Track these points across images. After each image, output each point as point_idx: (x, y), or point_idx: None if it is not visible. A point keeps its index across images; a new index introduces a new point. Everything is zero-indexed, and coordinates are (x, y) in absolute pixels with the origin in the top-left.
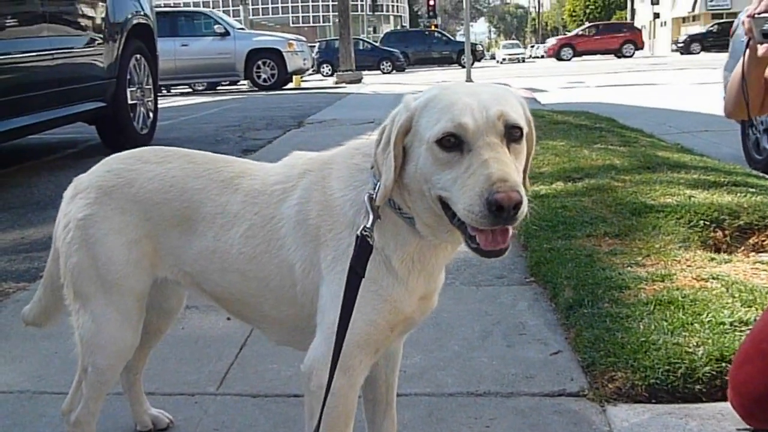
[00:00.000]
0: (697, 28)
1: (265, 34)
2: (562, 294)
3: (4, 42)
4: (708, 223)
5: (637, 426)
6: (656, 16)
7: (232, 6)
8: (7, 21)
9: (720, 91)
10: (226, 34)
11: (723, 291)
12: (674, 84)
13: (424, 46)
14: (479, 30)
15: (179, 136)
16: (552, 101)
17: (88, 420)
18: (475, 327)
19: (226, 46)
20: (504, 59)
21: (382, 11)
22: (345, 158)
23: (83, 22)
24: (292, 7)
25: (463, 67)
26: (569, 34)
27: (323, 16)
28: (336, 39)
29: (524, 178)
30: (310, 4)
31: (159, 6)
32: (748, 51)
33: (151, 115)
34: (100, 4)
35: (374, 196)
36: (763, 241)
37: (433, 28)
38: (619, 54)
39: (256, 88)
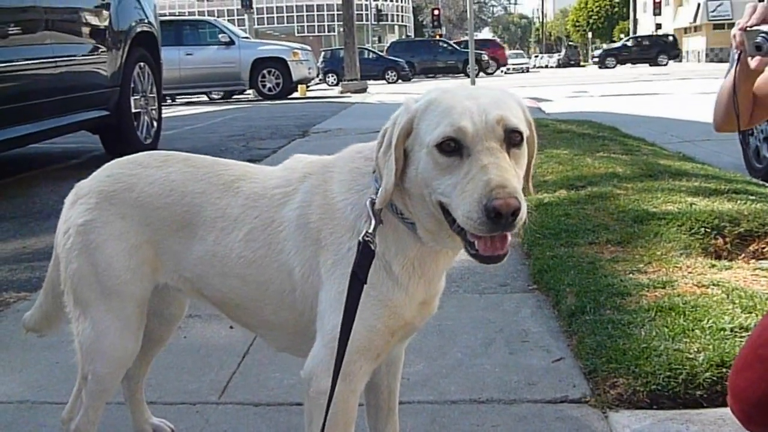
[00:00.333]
0: (698, 39)
1: (269, 43)
2: (565, 301)
3: (6, 50)
4: (709, 230)
5: None
6: (658, 27)
7: (237, 15)
8: (10, 29)
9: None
10: (231, 43)
11: (723, 297)
12: (676, 93)
13: (429, 55)
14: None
15: (183, 146)
16: (556, 110)
17: (88, 429)
18: (478, 334)
19: (231, 55)
20: (508, 69)
21: (387, 21)
22: (346, 162)
23: (86, 30)
24: (297, 16)
25: (468, 76)
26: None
27: (328, 25)
28: (341, 48)
29: (527, 181)
30: (315, 13)
31: (163, 15)
32: (739, 65)
33: (155, 124)
34: (104, 12)
35: (376, 199)
36: (763, 248)
37: (438, 37)
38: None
39: (261, 98)
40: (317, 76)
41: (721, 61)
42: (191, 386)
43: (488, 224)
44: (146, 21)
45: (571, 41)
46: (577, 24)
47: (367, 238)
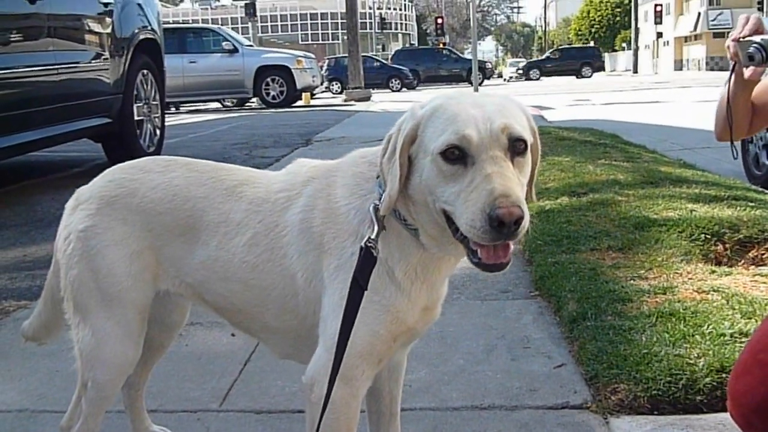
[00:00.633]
0: (698, 48)
1: (273, 51)
2: (566, 307)
3: (8, 56)
4: (709, 236)
5: None
6: (659, 35)
7: (241, 23)
8: (13, 35)
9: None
10: (235, 50)
11: (723, 303)
12: (677, 102)
13: (434, 63)
14: (487, 48)
15: (186, 154)
16: (558, 118)
17: None
18: (479, 341)
19: (235, 63)
20: (511, 77)
21: (391, 29)
22: (350, 166)
23: (89, 37)
24: (301, 24)
25: (472, 84)
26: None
27: (332, 33)
28: (345, 56)
29: (530, 188)
30: (319, 21)
31: (167, 22)
32: (733, 75)
33: (157, 131)
34: (107, 19)
35: (379, 206)
36: (763, 254)
37: (441, 46)
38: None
39: (265, 106)
40: (322, 83)
41: (721, 69)
42: (192, 394)
43: (491, 233)
44: (149, 28)
45: None
46: (580, 33)
47: (369, 245)
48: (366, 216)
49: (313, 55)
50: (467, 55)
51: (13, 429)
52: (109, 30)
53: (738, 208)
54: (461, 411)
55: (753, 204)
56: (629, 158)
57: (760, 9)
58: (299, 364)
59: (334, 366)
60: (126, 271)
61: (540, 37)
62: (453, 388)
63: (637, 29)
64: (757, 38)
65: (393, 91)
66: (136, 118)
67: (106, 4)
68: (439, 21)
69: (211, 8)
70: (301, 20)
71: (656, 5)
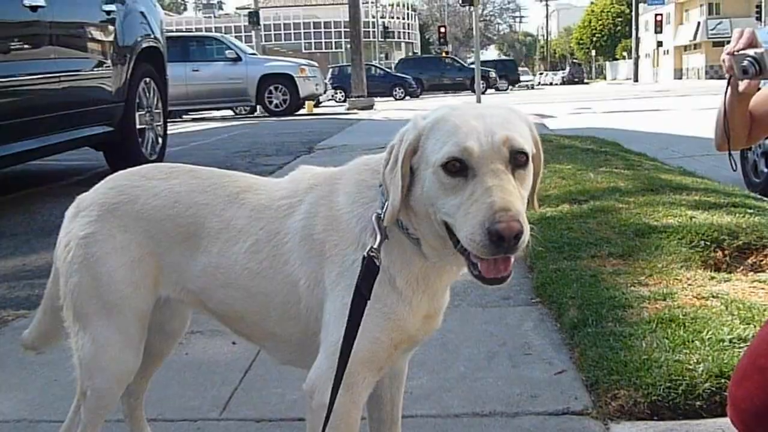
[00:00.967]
0: (698, 57)
1: (277, 60)
2: (567, 314)
3: (10, 64)
4: (708, 243)
5: None
6: (659, 44)
7: (245, 32)
8: (14, 43)
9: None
10: (238, 59)
11: (722, 309)
12: (677, 110)
13: (437, 72)
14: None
15: (188, 162)
16: (560, 126)
17: None
18: (480, 348)
19: (238, 71)
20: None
21: (394, 38)
22: (353, 174)
23: (91, 45)
24: (304, 33)
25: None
26: None
27: (335, 42)
28: (348, 65)
29: (533, 198)
30: (323, 30)
31: (170, 31)
32: (729, 88)
33: (160, 140)
34: (109, 27)
35: (382, 215)
36: (761, 260)
37: (444, 55)
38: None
39: (268, 114)
40: (325, 91)
41: (720, 78)
42: (192, 403)
43: (491, 247)
44: (152, 36)
45: (575, 59)
46: (581, 42)
47: (372, 254)
48: (368, 224)
49: (316, 64)
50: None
51: None
52: (111, 38)
53: (737, 215)
54: (462, 418)
55: (752, 211)
56: (630, 166)
57: (759, 18)
58: (299, 373)
59: (337, 374)
60: (127, 278)
61: (542, 47)
62: (454, 395)
63: (637, 38)
64: (751, 52)
65: (396, 99)
66: (138, 126)
67: (108, 12)
68: (442, 30)
69: (215, 16)
70: (304, 29)
71: (657, 15)
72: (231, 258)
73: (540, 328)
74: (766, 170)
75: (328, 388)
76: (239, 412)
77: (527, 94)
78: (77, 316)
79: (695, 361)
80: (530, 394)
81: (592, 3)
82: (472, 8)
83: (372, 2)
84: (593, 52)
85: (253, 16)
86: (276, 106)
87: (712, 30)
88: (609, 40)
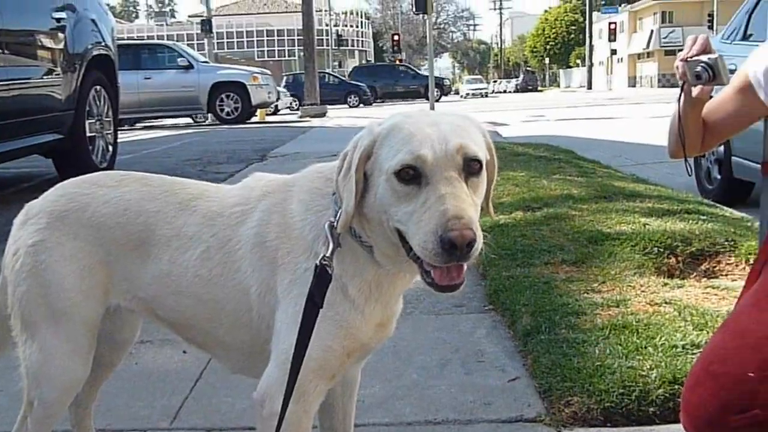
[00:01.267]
0: (651, 65)
1: (229, 68)
2: (520, 321)
3: None
4: (662, 249)
5: None
6: (613, 52)
7: (197, 40)
8: None
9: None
10: (190, 67)
11: (675, 315)
12: (631, 118)
13: (391, 80)
14: (443, 65)
15: (139, 170)
16: (514, 134)
17: None
18: (433, 355)
19: (190, 79)
20: (467, 94)
21: (348, 46)
22: (307, 181)
23: (41, 52)
24: (257, 41)
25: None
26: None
27: (289, 50)
28: (303, 73)
29: (487, 205)
30: (276, 38)
31: (122, 38)
32: (683, 95)
33: (110, 148)
34: (59, 34)
35: (335, 223)
36: (714, 266)
37: (398, 62)
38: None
39: (219, 122)
40: (277, 99)
41: (673, 86)
42: (142, 412)
43: (443, 255)
44: (103, 44)
45: (529, 67)
46: (535, 50)
47: (324, 262)
48: (321, 232)
49: (269, 72)
50: (424, 72)
51: None
52: (61, 45)
53: (690, 221)
54: (415, 426)
55: (705, 217)
56: (583, 173)
57: (711, 27)
58: (249, 381)
59: (288, 382)
60: (76, 286)
61: (496, 55)
62: (407, 403)
63: (591, 46)
64: (704, 58)
65: (351, 107)
66: (88, 134)
67: (58, 20)
68: (396, 38)
69: (167, 24)
70: (257, 37)
71: (610, 23)
72: (182, 265)
73: (493, 335)
74: (719, 177)
75: (279, 397)
76: (189, 421)
77: (481, 102)
78: (25, 325)
79: (648, 367)
80: (483, 401)
81: (545, 11)
82: (425, 16)
83: (326, 10)
84: (547, 60)
85: (206, 24)
86: (228, 114)
87: (665, 38)
88: (563, 48)
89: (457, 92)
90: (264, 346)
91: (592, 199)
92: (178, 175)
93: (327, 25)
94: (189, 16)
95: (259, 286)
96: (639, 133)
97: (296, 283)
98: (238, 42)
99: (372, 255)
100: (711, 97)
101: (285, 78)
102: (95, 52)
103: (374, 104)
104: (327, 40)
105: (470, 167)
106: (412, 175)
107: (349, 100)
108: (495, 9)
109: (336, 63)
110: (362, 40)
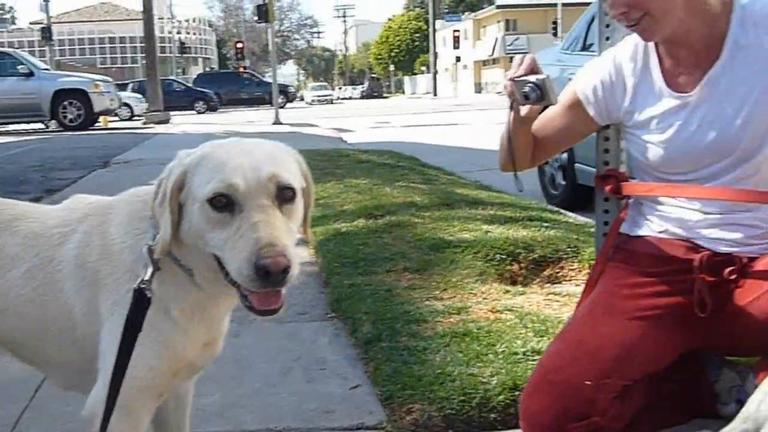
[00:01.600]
0: (496, 71)
1: (70, 75)
2: (362, 329)
3: None
4: (504, 256)
5: None
6: (458, 59)
7: (38, 47)
8: None
9: None
10: (31, 74)
11: (517, 322)
12: (475, 124)
13: (235, 87)
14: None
15: None
16: (358, 140)
17: None
18: (275, 363)
19: (31, 87)
20: (313, 100)
21: (191, 53)
22: (125, 205)
23: None
24: (99, 48)
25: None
26: None
27: (131, 57)
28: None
29: (305, 229)
30: (118, 45)
31: None
32: (512, 113)
33: None
34: None
35: (153, 248)
36: (557, 272)
37: (241, 70)
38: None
39: (62, 128)
40: (120, 107)
41: None
42: None
43: (259, 281)
44: None
45: (374, 74)
46: (380, 57)
47: (142, 286)
48: (140, 255)
49: (110, 79)
50: (268, 79)
51: None
52: None
53: (533, 228)
54: None
55: (547, 224)
56: (427, 180)
57: (555, 34)
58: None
59: (107, 404)
60: None
61: (341, 62)
62: (248, 411)
63: (435, 53)
64: (532, 78)
65: (199, 113)
66: None
67: None
68: (239, 46)
69: (7, 31)
70: (99, 44)
71: (455, 30)
72: (4, 285)
73: (335, 343)
74: (563, 183)
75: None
76: (29, 431)
77: (327, 108)
78: None
79: (489, 374)
80: (325, 409)
81: (389, 19)
82: (268, 24)
83: (168, 18)
84: (392, 67)
85: (46, 32)
86: (71, 120)
87: (509, 46)
88: (407, 56)
89: (302, 99)
90: (91, 364)
91: (435, 206)
92: (22, 182)
93: (170, 33)
94: (30, 23)
95: (82, 306)
96: (484, 139)
97: (119, 303)
98: (80, 49)
99: (193, 278)
100: (540, 113)
101: (131, 85)
102: None
103: (220, 111)
104: (170, 47)
105: (283, 195)
106: (224, 203)
107: (196, 106)
108: (339, 17)
109: (180, 70)
110: (206, 48)
